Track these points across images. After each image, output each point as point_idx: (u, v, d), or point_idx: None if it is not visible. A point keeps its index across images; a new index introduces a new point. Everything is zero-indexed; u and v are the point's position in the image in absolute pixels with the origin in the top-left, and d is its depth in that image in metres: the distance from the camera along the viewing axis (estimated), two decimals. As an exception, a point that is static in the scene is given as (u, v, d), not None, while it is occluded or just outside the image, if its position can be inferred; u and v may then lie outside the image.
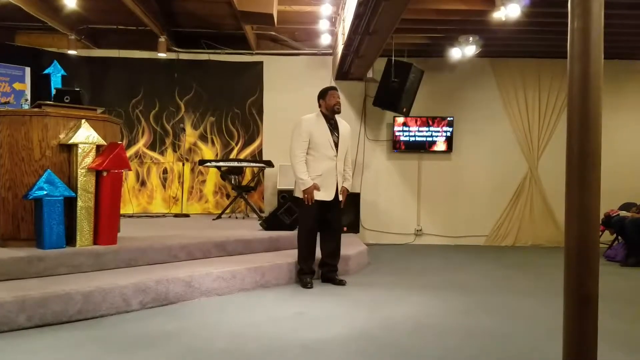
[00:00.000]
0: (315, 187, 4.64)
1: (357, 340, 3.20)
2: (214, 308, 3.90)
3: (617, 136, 8.04)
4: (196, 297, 4.10)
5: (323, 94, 4.82)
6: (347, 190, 4.91)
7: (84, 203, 4.14)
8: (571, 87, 1.83)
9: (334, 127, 4.78)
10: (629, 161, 8.13)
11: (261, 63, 8.33)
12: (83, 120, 4.19)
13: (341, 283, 4.84)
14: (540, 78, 8.28)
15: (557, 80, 8.17)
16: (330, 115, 4.79)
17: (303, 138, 4.66)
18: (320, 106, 4.83)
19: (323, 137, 4.69)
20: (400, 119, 8.16)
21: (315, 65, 8.30)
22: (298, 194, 4.73)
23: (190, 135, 8.27)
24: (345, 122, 4.98)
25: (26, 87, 7.57)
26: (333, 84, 8.02)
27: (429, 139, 8.26)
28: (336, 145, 4.73)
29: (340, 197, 4.81)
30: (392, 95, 7.32)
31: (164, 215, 7.85)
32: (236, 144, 8.34)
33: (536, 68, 8.26)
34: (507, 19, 5.46)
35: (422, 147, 8.29)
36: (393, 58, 7.22)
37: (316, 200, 4.65)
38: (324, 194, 4.68)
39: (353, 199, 7.66)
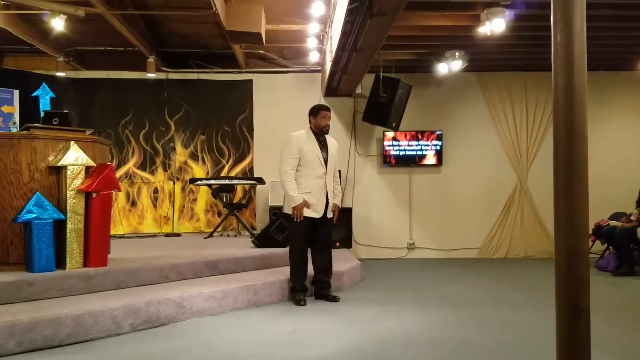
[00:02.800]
0: (305, 204, 4.63)
1: (351, 356, 3.18)
2: (206, 328, 3.86)
3: (604, 146, 8.13)
4: (188, 317, 4.06)
5: (314, 112, 4.82)
6: (338, 206, 4.92)
7: (74, 225, 4.11)
8: (556, 98, 1.85)
9: (323, 144, 4.80)
10: (617, 171, 8.20)
11: (250, 81, 8.36)
12: (72, 142, 4.17)
13: (334, 299, 4.81)
14: (527, 91, 8.38)
15: (543, 92, 8.27)
16: (319, 133, 4.81)
17: (293, 155, 4.67)
18: (310, 122, 4.85)
19: (313, 154, 4.70)
20: (390, 134, 8.20)
21: (304, 83, 8.35)
22: (287, 210, 4.73)
23: (180, 154, 8.25)
24: (333, 139, 5.00)
25: (14, 110, 7.54)
26: (322, 100, 8.08)
27: (419, 152, 8.31)
28: (325, 162, 4.74)
29: (331, 214, 4.81)
30: (381, 111, 7.37)
31: (155, 235, 7.79)
32: (227, 162, 8.34)
33: (522, 81, 8.36)
34: (492, 33, 5.54)
35: (412, 161, 8.33)
36: (381, 74, 7.29)
37: (306, 217, 4.64)
38: (314, 212, 4.68)
39: (345, 214, 7.66)
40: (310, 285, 4.92)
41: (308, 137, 4.77)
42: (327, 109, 4.87)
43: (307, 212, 4.65)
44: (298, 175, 4.68)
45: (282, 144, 4.80)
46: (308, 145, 4.71)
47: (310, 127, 4.83)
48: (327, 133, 4.83)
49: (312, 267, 4.88)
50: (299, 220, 4.63)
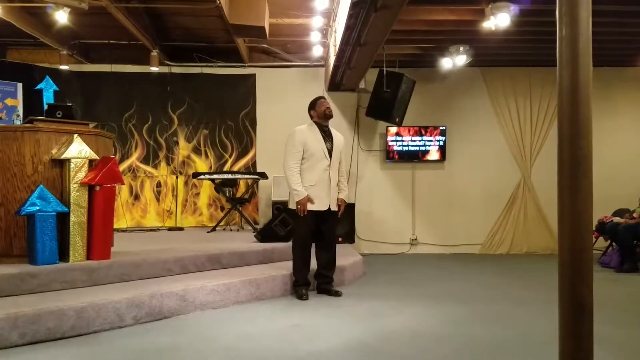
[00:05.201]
0: (309, 199, 4.63)
1: (354, 351, 3.18)
2: (208, 322, 3.87)
3: (608, 142, 8.11)
4: (190, 311, 4.07)
5: (312, 105, 4.86)
6: (344, 201, 4.90)
7: (77, 218, 4.12)
8: (561, 94, 1.84)
9: (327, 136, 4.79)
10: (622, 167, 8.18)
11: (254, 75, 8.35)
12: (75, 135, 4.17)
13: (337, 294, 4.81)
14: (531, 86, 8.35)
15: (548, 88, 8.24)
16: (323, 123, 4.80)
17: (297, 149, 4.66)
18: (312, 117, 4.84)
19: (317, 146, 4.69)
20: (393, 129, 8.18)
21: (307, 77, 8.33)
22: (292, 205, 4.72)
23: (183, 148, 8.26)
24: (339, 133, 4.99)
25: (18, 102, 7.55)
26: (325, 95, 8.05)
27: (422, 148, 8.29)
28: (330, 153, 4.73)
29: (336, 208, 4.80)
30: (385, 106, 7.35)
31: (157, 229, 7.81)
32: (230, 156, 8.34)
33: (526, 76, 8.33)
34: (497, 28, 5.52)
35: (416, 157, 8.31)
36: (384, 69, 7.26)
37: (310, 211, 4.64)
38: (318, 205, 4.67)
39: (348, 209, 7.57)
40: (313, 280, 4.93)
41: (311, 130, 4.77)
42: (322, 97, 4.95)
43: (312, 206, 4.65)
44: (302, 168, 4.67)
45: (285, 138, 4.79)
46: (311, 138, 4.71)
47: (313, 120, 4.83)
48: (331, 116, 4.83)
49: (315, 262, 4.88)
50: (303, 215, 4.63)
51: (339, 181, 4.86)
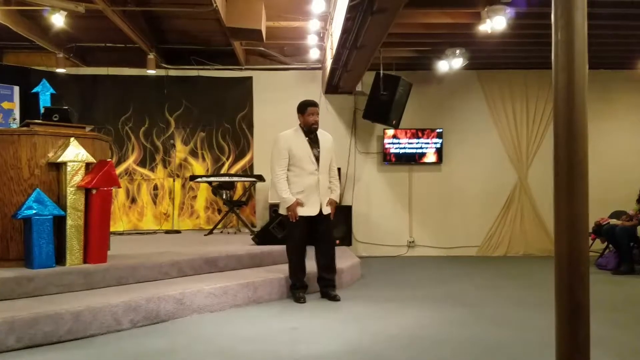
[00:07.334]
0: (299, 204, 4.61)
1: (352, 354, 3.18)
2: (206, 325, 3.86)
3: (605, 145, 8.13)
4: (188, 314, 4.06)
5: (302, 109, 4.74)
6: (335, 201, 4.86)
7: (74, 221, 4.11)
8: (556, 97, 1.84)
9: (313, 141, 4.72)
10: (618, 169, 8.19)
11: (250, 78, 8.35)
12: (72, 139, 4.17)
13: (335, 298, 4.77)
14: (527, 89, 8.37)
15: (544, 90, 8.26)
16: (308, 131, 4.73)
17: (282, 155, 4.62)
18: (299, 120, 4.77)
19: (303, 152, 4.64)
20: (390, 132, 8.20)
21: (304, 80, 8.34)
22: (282, 211, 4.70)
23: (180, 151, 8.25)
24: (327, 133, 4.91)
25: (15, 106, 7.54)
26: (323, 98, 8.06)
27: (419, 150, 8.30)
28: (317, 159, 4.68)
29: (329, 210, 4.76)
30: (382, 108, 7.35)
31: (154, 232, 7.79)
32: (227, 159, 8.34)
33: (523, 79, 8.35)
34: (493, 31, 5.52)
35: (413, 159, 8.32)
36: (381, 71, 7.26)
37: (302, 216, 4.62)
38: (308, 210, 4.64)
39: (345, 211, 7.66)
40: (315, 284, 4.89)
41: (297, 135, 4.71)
42: (314, 104, 4.78)
43: (302, 211, 4.62)
44: (290, 175, 4.64)
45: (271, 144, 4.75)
46: (297, 144, 4.65)
47: (300, 124, 4.77)
48: (316, 130, 4.75)
49: (316, 265, 4.85)
50: (294, 220, 4.61)
51: (330, 182, 4.83)
